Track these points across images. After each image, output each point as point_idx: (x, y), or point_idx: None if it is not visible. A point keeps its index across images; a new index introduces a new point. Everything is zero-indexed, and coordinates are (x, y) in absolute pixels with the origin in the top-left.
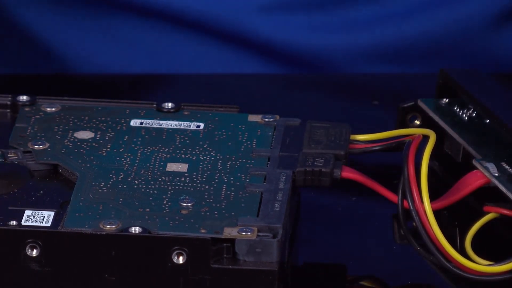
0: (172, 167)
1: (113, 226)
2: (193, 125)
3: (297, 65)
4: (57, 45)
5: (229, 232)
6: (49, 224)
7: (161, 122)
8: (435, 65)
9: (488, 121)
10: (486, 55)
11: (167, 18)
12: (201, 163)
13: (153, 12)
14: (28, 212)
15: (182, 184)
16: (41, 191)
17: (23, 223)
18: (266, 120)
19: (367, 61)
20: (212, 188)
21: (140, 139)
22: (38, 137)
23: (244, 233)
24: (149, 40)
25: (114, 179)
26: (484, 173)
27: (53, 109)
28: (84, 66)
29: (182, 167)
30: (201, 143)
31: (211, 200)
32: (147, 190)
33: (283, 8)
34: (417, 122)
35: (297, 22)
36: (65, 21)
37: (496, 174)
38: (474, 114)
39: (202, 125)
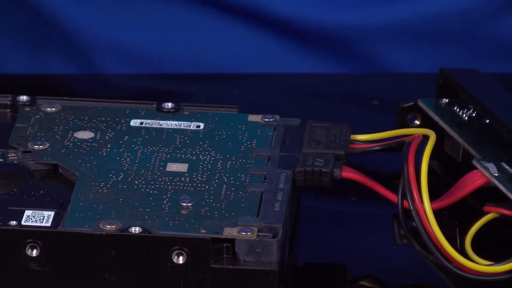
0: (172, 167)
1: (113, 226)
2: (193, 125)
3: (311, 41)
4: (58, 45)
5: (229, 232)
6: (49, 224)
7: (161, 122)
8: (448, 46)
9: (488, 121)
10: (496, 37)
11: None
12: (201, 163)
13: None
14: (28, 212)
15: (182, 184)
16: (41, 191)
17: (23, 223)
18: (266, 120)
19: (381, 38)
20: (212, 188)
21: (140, 139)
22: (38, 137)
23: (244, 233)
24: (151, 39)
25: (114, 179)
26: (484, 173)
27: (53, 109)
28: (85, 66)
29: (182, 167)
30: (201, 143)
31: (211, 200)
32: (147, 190)
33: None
34: (417, 122)
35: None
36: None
37: (496, 174)
38: (474, 114)
39: (202, 125)
